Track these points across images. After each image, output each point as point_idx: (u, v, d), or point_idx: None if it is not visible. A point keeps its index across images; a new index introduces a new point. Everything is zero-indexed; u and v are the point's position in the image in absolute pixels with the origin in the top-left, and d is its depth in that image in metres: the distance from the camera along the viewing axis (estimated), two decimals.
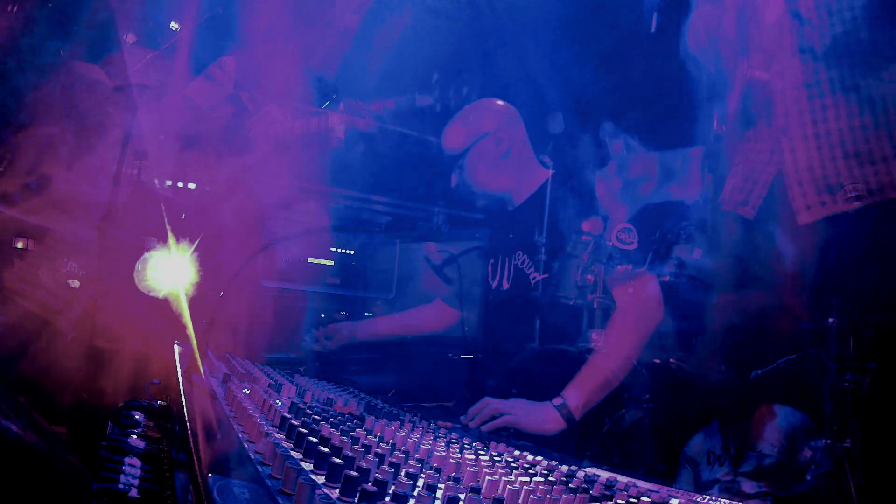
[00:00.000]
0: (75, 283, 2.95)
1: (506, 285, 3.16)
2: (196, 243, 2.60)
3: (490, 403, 2.57)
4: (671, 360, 2.73)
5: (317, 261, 3.72)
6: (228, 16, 3.43)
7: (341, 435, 1.30)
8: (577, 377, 2.64)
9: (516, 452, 1.61)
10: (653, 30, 3.30)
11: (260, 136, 3.58)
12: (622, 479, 1.50)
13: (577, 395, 2.58)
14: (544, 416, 2.55)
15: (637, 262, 2.75)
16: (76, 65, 3.12)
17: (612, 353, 2.67)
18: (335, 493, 0.96)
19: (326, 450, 1.09)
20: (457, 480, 1.10)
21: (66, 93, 3.03)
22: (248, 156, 3.48)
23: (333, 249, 3.78)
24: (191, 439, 1.19)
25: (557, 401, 2.56)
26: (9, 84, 2.89)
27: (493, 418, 2.51)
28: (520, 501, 1.10)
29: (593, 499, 1.21)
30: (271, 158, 3.53)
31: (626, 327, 2.71)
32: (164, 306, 2.66)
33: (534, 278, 3.01)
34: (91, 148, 3.04)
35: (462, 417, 2.56)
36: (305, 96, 3.72)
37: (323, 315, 3.72)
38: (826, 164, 2.29)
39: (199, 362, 1.79)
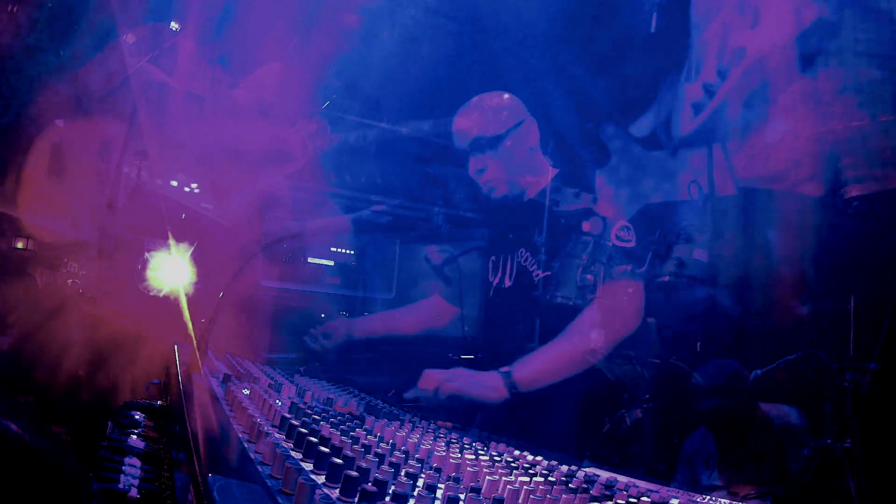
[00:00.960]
0: (76, 284, 2.95)
1: (507, 282, 3.15)
2: (196, 244, 2.60)
3: (431, 376, 2.57)
4: (671, 359, 2.73)
5: (317, 261, 3.71)
6: (228, 17, 3.42)
7: (341, 435, 1.30)
8: (532, 354, 2.65)
9: (516, 452, 1.61)
10: (653, 30, 3.29)
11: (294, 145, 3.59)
12: (622, 479, 1.50)
13: (525, 367, 2.59)
14: (488, 383, 2.55)
15: (637, 261, 2.75)
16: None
17: (572, 340, 2.66)
18: (335, 493, 0.96)
19: (326, 450, 1.09)
20: (457, 480, 1.10)
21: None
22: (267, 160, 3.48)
23: (333, 249, 3.78)
24: (191, 439, 1.19)
25: (504, 368, 2.57)
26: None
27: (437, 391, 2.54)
28: (520, 501, 1.10)
29: (593, 499, 1.21)
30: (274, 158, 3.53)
31: (593, 321, 2.70)
32: (164, 306, 2.66)
33: (536, 275, 3.00)
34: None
35: (405, 394, 2.56)
36: (305, 96, 3.72)
37: (323, 315, 3.72)
38: None
39: (199, 362, 1.79)
